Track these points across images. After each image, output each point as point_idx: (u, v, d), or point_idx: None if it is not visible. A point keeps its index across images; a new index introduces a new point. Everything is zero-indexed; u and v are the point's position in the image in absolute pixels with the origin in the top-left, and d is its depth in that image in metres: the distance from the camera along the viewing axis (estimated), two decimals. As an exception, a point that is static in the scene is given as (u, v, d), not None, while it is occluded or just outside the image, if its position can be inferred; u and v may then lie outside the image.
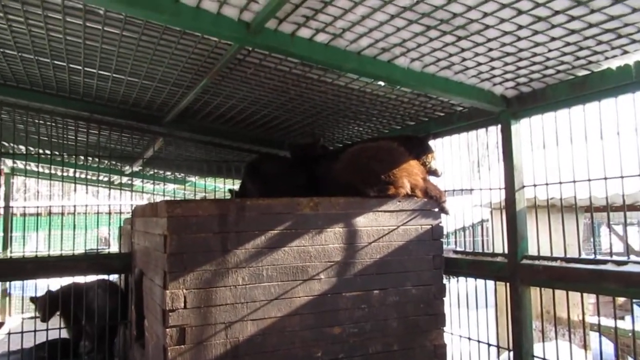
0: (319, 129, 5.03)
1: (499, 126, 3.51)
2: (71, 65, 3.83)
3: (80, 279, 4.98)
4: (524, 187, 3.39)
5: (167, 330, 2.81)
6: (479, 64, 2.96)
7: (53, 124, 5.66)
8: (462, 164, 4.12)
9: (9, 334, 4.98)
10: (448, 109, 3.95)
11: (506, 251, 3.42)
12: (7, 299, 8.74)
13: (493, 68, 3.00)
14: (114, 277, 5.39)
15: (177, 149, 5.87)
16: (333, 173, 3.75)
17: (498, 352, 3.75)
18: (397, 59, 2.95)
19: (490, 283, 3.67)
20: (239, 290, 2.99)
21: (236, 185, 5.47)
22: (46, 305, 5.05)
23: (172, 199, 7.29)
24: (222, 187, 8.32)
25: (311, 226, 3.21)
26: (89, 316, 4.85)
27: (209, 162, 6.32)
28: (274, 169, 4.41)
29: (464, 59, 2.91)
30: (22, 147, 7.24)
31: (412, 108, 4.04)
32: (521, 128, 3.41)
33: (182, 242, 2.90)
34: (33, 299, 5.18)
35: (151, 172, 8.40)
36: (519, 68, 2.96)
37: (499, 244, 3.62)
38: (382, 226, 3.41)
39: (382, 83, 3.52)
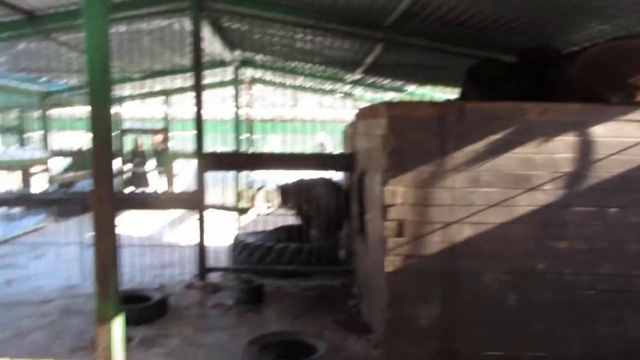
0: (549, 29, 4.48)
1: None
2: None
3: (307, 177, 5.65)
4: None
5: (386, 223, 3.02)
6: None
7: (285, 34, 6.17)
8: None
9: (256, 217, 5.96)
10: None
11: None
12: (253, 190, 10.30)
13: None
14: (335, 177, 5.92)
15: (396, 55, 5.88)
16: (568, 76, 3.37)
17: None
18: None
19: None
20: (456, 192, 3.00)
21: (455, 94, 5.32)
22: (284, 195, 5.86)
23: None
24: (441, 96, 8.18)
25: (538, 133, 3.01)
26: (316, 209, 5.46)
27: (427, 69, 6.22)
28: (496, 74, 4.19)
29: None
30: (260, 57, 8.11)
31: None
32: None
33: (401, 141, 3.01)
34: (280, 188, 6.01)
35: (370, 81, 8.68)
36: None
37: None
38: (625, 137, 3.01)
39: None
